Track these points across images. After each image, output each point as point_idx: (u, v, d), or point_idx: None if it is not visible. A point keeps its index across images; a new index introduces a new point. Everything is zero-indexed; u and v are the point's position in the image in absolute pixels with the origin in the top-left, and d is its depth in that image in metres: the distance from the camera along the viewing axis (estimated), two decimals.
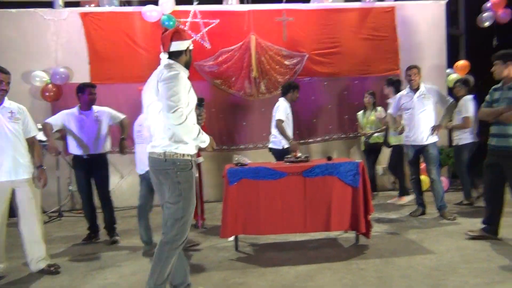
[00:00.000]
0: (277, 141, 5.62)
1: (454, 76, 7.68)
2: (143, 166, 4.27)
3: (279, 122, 5.51)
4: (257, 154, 6.93)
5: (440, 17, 7.67)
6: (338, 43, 7.36)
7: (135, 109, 4.68)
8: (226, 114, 7.20)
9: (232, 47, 7.09)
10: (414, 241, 4.49)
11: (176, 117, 2.72)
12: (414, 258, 3.96)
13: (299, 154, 4.65)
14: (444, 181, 6.83)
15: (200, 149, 3.14)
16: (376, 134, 6.56)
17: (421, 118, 5.43)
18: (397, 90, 6.20)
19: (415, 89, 5.52)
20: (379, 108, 6.59)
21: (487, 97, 4.39)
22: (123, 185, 6.93)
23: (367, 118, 6.71)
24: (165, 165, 2.87)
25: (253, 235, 4.45)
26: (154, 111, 2.90)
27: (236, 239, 4.40)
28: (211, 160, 6.86)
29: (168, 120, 2.75)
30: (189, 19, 7.01)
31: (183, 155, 2.90)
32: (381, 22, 7.47)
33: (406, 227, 5.08)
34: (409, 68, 5.60)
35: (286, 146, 5.55)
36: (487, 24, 7.76)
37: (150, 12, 6.83)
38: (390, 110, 5.87)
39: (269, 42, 7.17)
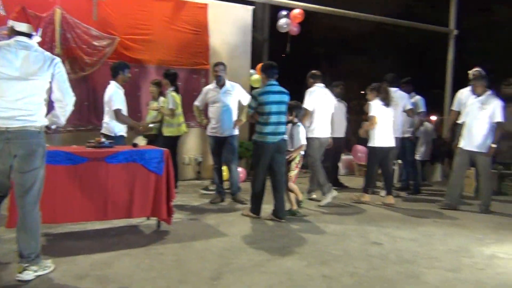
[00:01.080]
0: (109, 127, 5.24)
1: (256, 77, 8.45)
2: None
3: (118, 112, 5.17)
4: (59, 138, 6.41)
5: (247, 21, 8.32)
6: (151, 31, 7.31)
7: None
8: None
9: None
10: (211, 226, 4.83)
11: (74, 100, 3.41)
12: (210, 241, 4.27)
13: (102, 139, 4.49)
14: (242, 171, 7.48)
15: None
16: (151, 125, 6.35)
17: (225, 112, 5.85)
18: (172, 82, 6.25)
19: (221, 85, 5.91)
20: (162, 99, 6.44)
21: None
22: None
23: (150, 108, 6.65)
24: (39, 136, 3.23)
25: (48, 224, 4.13)
26: (34, 86, 3.18)
27: None
28: None
29: (68, 102, 3.35)
30: None
31: None
32: (194, 17, 7.70)
33: (205, 213, 5.40)
34: (216, 64, 5.98)
35: (120, 133, 5.27)
36: (285, 30, 8.69)
37: None
38: (196, 102, 6.14)
39: (78, 19, 6.67)
